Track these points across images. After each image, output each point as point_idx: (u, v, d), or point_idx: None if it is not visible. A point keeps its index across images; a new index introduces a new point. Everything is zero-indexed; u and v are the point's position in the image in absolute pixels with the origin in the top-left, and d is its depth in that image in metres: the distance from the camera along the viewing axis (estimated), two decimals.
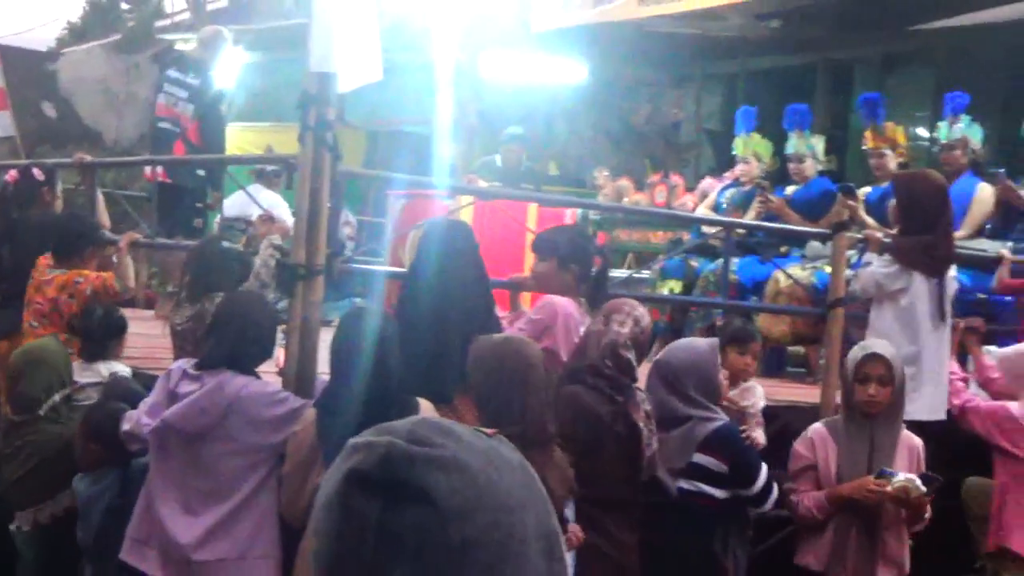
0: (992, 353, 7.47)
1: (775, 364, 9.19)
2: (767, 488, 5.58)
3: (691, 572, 5.56)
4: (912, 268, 6.84)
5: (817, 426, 5.93)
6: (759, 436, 6.10)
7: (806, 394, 7.24)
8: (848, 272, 7.65)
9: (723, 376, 5.80)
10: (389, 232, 9.78)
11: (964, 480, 7.02)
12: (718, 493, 5.52)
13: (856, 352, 5.84)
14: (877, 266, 7.01)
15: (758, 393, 6.38)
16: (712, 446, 5.48)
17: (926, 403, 6.81)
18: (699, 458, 5.47)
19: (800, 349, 9.33)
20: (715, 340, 5.97)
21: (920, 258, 6.85)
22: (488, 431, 1.40)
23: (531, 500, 1.33)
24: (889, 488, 5.45)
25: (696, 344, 5.97)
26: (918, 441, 5.88)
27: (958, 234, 8.48)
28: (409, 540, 1.25)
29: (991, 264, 8.23)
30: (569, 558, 4.89)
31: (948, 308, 6.98)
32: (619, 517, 5.34)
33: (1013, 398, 6.73)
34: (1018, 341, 7.43)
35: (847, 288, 7.32)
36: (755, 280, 8.98)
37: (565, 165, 14.92)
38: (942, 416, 6.89)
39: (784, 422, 6.87)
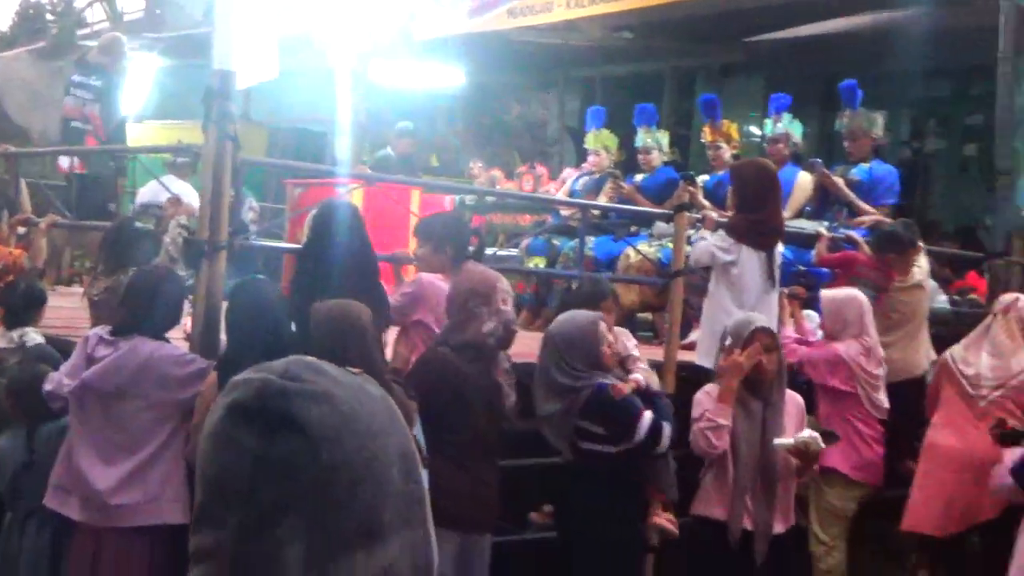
0: (810, 316, 7.65)
1: (628, 330, 9.25)
2: (653, 433, 5.36)
3: (590, 526, 5.45)
4: (742, 242, 6.91)
5: (709, 386, 5.79)
6: (641, 378, 5.81)
7: (654, 354, 7.30)
8: (687, 248, 7.78)
9: (607, 346, 5.52)
10: (287, 215, 9.74)
11: None
12: (608, 449, 5.39)
13: (742, 326, 5.76)
14: (711, 240, 7.10)
15: (628, 337, 6.35)
16: (588, 411, 5.35)
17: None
18: (582, 423, 5.40)
19: (648, 316, 9.45)
20: (596, 313, 5.68)
21: (749, 233, 6.92)
22: (355, 370, 1.41)
23: (392, 428, 1.35)
24: (791, 443, 5.47)
25: (577, 318, 5.64)
26: (800, 398, 5.91)
27: (784, 215, 8.66)
28: (282, 464, 1.26)
29: (810, 241, 8.37)
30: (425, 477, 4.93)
31: (777, 277, 7.08)
32: (480, 457, 5.41)
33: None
34: None
35: (686, 261, 7.42)
36: (609, 256, 9.07)
37: (444, 158, 14.92)
38: None
39: None
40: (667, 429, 5.42)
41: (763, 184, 7.08)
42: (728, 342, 5.67)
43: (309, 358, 1.38)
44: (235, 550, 1.26)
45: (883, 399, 6.92)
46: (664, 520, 5.66)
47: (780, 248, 7.28)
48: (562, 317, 5.72)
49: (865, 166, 8.87)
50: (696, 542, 5.78)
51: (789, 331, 7.21)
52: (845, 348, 6.85)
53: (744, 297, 6.86)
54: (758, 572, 5.54)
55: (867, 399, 6.87)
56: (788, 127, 9.19)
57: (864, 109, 9.02)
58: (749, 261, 6.92)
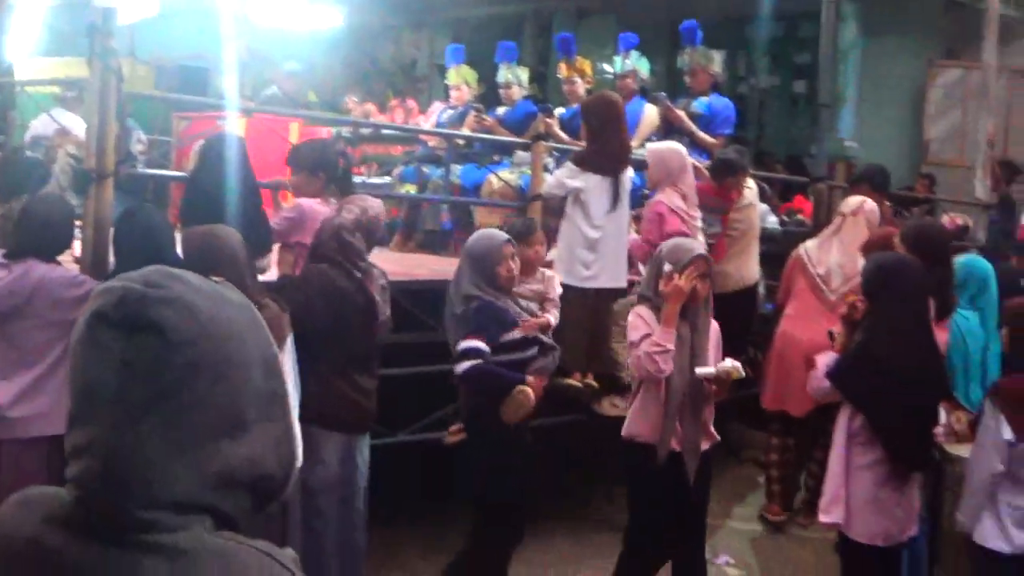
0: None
1: None
2: (460, 354, 5.31)
3: (471, 435, 5.57)
4: (588, 170, 6.97)
5: (643, 308, 5.32)
6: (551, 318, 5.84)
7: None
8: (545, 175, 7.84)
9: (507, 268, 5.39)
10: (174, 146, 9.53)
11: None
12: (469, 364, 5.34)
13: (682, 251, 5.27)
14: (560, 173, 7.16)
15: (556, 282, 6.19)
16: (470, 323, 5.34)
17: (610, 274, 7.01)
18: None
19: None
20: (501, 236, 5.56)
21: (595, 161, 6.98)
22: (216, 278, 1.41)
23: (251, 331, 1.36)
24: (714, 372, 5.14)
25: (488, 237, 5.57)
26: (717, 326, 5.46)
27: (632, 144, 8.75)
28: (144, 366, 1.27)
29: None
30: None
31: (625, 199, 7.13)
32: (361, 368, 5.42)
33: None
34: None
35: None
36: (474, 183, 9.05)
37: (322, 94, 14.69)
38: (623, 284, 7.10)
39: None
40: (466, 363, 5.25)
41: (608, 116, 7.13)
42: (667, 268, 5.22)
43: (168, 268, 1.38)
44: (105, 446, 1.26)
45: (702, 241, 6.94)
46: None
47: (630, 173, 7.34)
48: (478, 234, 5.77)
49: (705, 100, 8.99)
50: (626, 464, 5.49)
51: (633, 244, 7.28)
52: (667, 198, 6.89)
53: (593, 218, 6.92)
54: (689, 490, 5.25)
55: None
56: (636, 64, 9.25)
57: (703, 47, 9.13)
58: (596, 186, 6.96)
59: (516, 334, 5.36)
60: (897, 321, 4.94)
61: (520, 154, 8.88)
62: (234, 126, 7.62)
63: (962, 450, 5.73)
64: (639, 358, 5.14)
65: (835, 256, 7.17)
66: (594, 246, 6.94)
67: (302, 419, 4.99)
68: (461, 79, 10.04)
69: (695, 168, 8.14)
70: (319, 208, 5.79)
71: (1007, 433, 4.68)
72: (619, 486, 6.34)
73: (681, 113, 8.87)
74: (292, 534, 5.10)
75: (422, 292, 6.48)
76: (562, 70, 9.64)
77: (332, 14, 15.31)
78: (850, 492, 4.95)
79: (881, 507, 4.90)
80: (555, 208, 7.31)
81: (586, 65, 9.62)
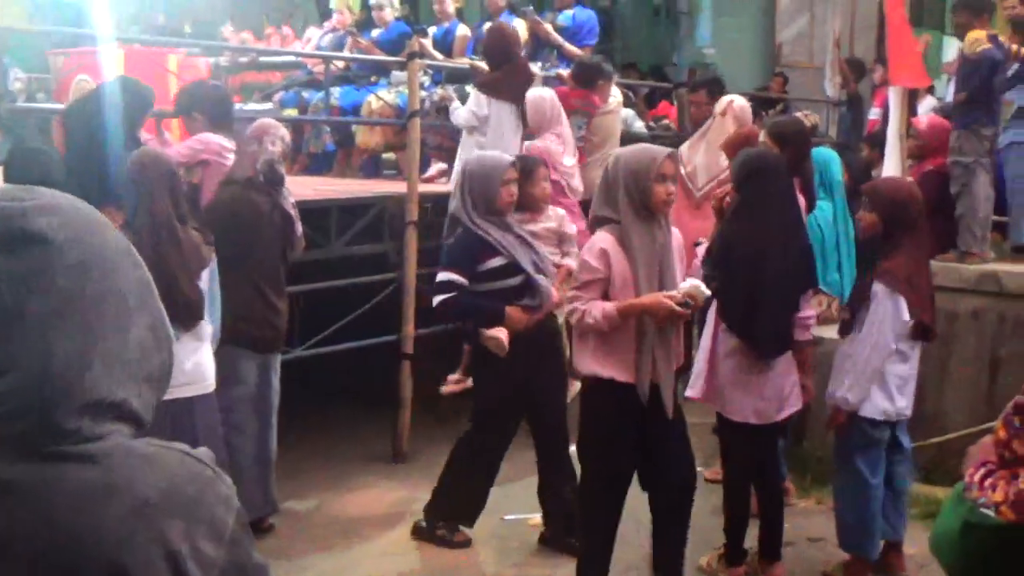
0: None
1: (373, 169, 9.23)
2: (434, 287, 5.08)
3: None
4: (493, 96, 7.08)
5: (603, 235, 4.39)
6: (571, 261, 5.48)
7: (399, 187, 7.32)
8: (421, 92, 7.79)
9: (508, 192, 5.08)
10: (52, 82, 9.20)
11: None
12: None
13: (651, 153, 4.42)
14: (469, 104, 7.17)
15: (567, 219, 5.90)
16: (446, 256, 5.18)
17: None
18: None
19: (392, 155, 9.43)
20: (506, 159, 5.22)
21: (499, 88, 7.11)
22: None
23: (109, 225, 1.34)
24: (677, 295, 4.29)
25: (489, 157, 5.30)
26: (678, 232, 4.60)
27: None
28: (35, 276, 1.24)
29: None
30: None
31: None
32: (274, 288, 5.47)
33: None
34: None
35: (421, 103, 7.43)
36: (354, 104, 8.94)
37: (197, 24, 14.25)
38: None
39: (381, 207, 7.03)
40: (439, 301, 5.01)
41: (505, 43, 7.21)
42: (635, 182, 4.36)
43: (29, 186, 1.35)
44: (19, 361, 1.24)
45: (578, 184, 7.07)
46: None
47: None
48: (480, 154, 5.57)
49: (569, 12, 8.98)
50: (594, 407, 4.54)
51: None
52: (544, 144, 6.92)
53: (502, 142, 6.97)
54: (665, 425, 4.48)
55: (567, 186, 6.97)
56: None
57: None
58: (503, 110, 7.09)
59: (497, 261, 4.99)
60: (760, 211, 4.96)
61: (396, 74, 8.78)
62: (110, 60, 7.40)
63: (826, 331, 5.89)
64: (579, 314, 4.37)
65: (701, 156, 7.26)
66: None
67: (221, 340, 4.98)
68: (344, 4, 9.87)
69: (560, 76, 8.20)
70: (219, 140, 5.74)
71: (906, 313, 4.83)
72: None
73: (548, 27, 8.84)
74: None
75: (310, 212, 6.41)
76: None
77: None
78: (720, 374, 5.01)
79: (748, 388, 4.95)
80: (435, 124, 7.33)
81: None
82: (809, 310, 5.12)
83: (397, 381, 6.95)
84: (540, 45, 8.93)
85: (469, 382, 5.72)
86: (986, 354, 6.96)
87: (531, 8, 9.15)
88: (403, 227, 6.94)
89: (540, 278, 5.07)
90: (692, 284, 4.38)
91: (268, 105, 9.66)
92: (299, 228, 5.56)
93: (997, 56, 7.23)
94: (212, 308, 4.88)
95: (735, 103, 7.32)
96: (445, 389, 5.72)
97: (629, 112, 9.09)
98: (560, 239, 5.82)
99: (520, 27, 8.91)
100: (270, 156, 5.33)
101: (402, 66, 7.92)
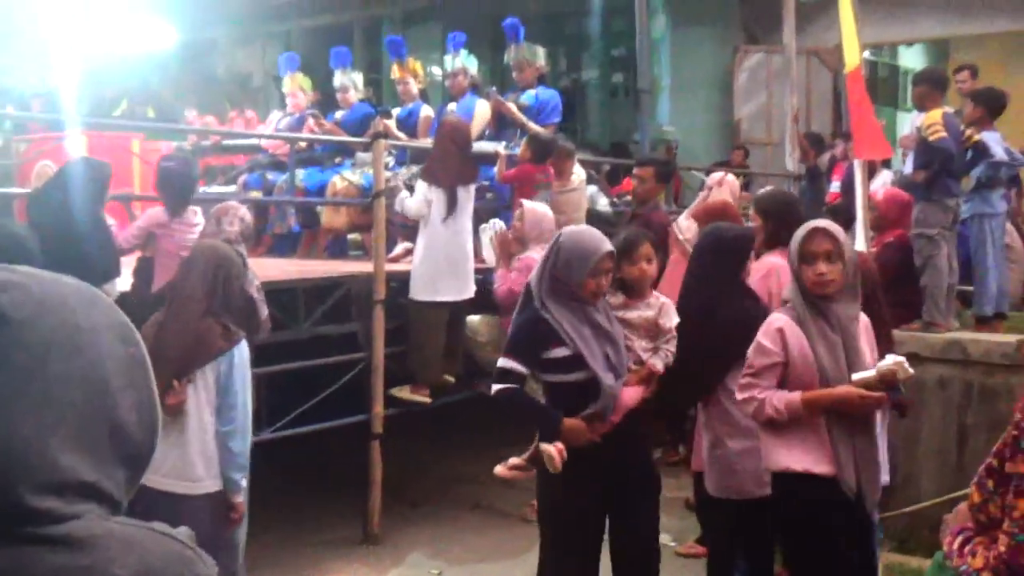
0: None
1: (339, 250, 9.23)
2: (496, 374, 4.46)
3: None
4: (432, 184, 7.12)
5: (780, 316, 4.16)
6: (659, 362, 4.76)
7: (365, 267, 7.32)
8: (386, 173, 7.84)
9: (598, 284, 4.43)
10: (15, 167, 9.19)
11: None
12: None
13: (799, 232, 4.19)
14: (420, 193, 7.20)
15: (672, 310, 4.92)
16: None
17: (449, 285, 7.15)
18: None
19: (358, 236, 9.44)
20: (606, 245, 4.48)
21: (436, 177, 7.15)
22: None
23: (93, 302, 1.32)
24: (874, 374, 3.93)
25: (589, 236, 4.55)
26: (865, 318, 4.25)
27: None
28: None
29: (492, 159, 8.55)
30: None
31: (466, 206, 7.25)
32: None
33: None
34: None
35: (387, 184, 7.46)
36: (318, 185, 8.96)
37: (161, 109, 14.32)
38: (470, 295, 7.29)
39: (348, 287, 7.02)
40: (496, 391, 4.42)
41: (439, 140, 7.35)
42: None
43: None
44: None
45: None
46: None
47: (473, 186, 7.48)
48: (580, 229, 4.70)
49: (532, 92, 9.07)
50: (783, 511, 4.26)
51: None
52: (531, 255, 6.96)
53: (447, 224, 7.08)
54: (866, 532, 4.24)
55: None
56: (465, 62, 9.29)
57: (527, 43, 9.20)
58: (441, 196, 7.11)
59: (561, 352, 4.35)
60: (706, 281, 5.00)
61: (361, 155, 8.83)
62: (75, 145, 7.41)
63: None
64: (754, 404, 4.15)
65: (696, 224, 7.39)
66: (442, 259, 7.12)
67: None
68: (296, 86, 9.96)
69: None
70: (152, 212, 5.87)
71: None
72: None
73: (511, 106, 8.93)
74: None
75: (277, 293, 6.38)
76: (395, 71, 9.62)
77: (165, 32, 14.94)
78: (702, 445, 4.98)
79: (716, 464, 4.91)
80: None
81: (417, 66, 9.63)
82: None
83: (367, 462, 6.88)
84: (504, 124, 9.01)
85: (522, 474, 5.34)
86: (953, 422, 7.01)
87: (494, 88, 9.25)
88: (370, 306, 6.92)
89: (608, 377, 4.35)
90: (895, 359, 3.92)
91: (232, 188, 9.66)
92: (264, 311, 5.53)
93: (950, 148, 7.52)
94: (228, 413, 4.62)
95: (728, 176, 7.52)
96: (500, 471, 5.14)
97: (593, 189, 9.17)
98: (657, 331, 4.99)
99: (484, 107, 9.01)
100: (226, 236, 5.32)
101: (367, 147, 7.96)
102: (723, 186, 7.40)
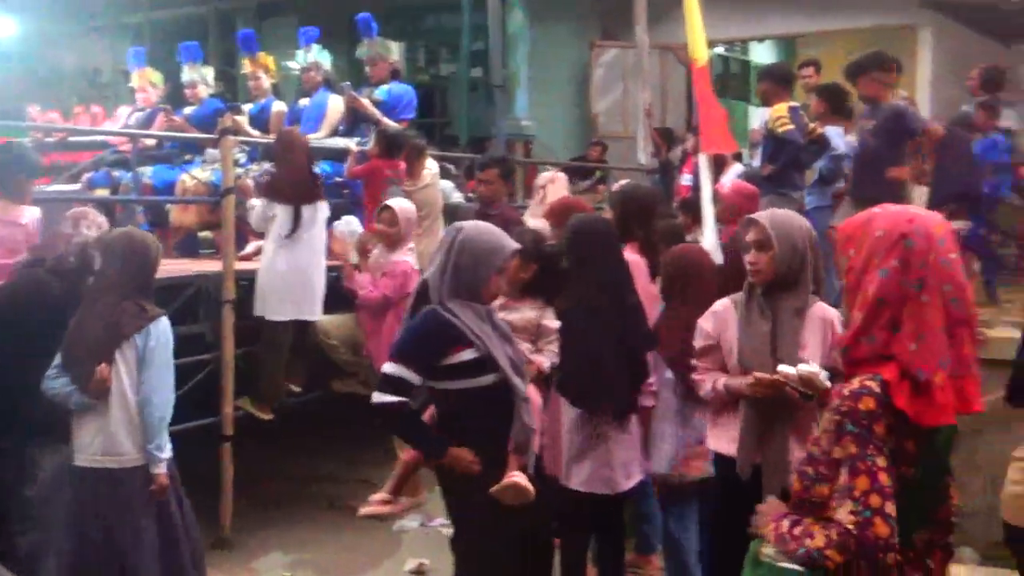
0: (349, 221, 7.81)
1: (189, 248, 9.03)
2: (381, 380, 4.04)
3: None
4: (275, 200, 7.02)
5: (723, 301, 4.34)
6: (546, 360, 4.93)
7: (215, 266, 7.18)
8: (237, 170, 7.71)
9: (497, 284, 4.17)
10: None
11: None
12: None
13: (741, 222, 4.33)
14: (260, 207, 7.11)
15: (551, 312, 5.09)
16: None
17: (292, 305, 7.05)
18: None
19: (208, 234, 9.25)
20: (510, 243, 4.21)
21: (281, 194, 7.04)
22: None
23: None
24: (795, 372, 3.86)
25: (493, 235, 4.17)
26: (833, 313, 4.22)
27: (319, 135, 8.70)
28: None
29: (343, 155, 8.49)
30: None
31: (311, 224, 7.12)
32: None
33: None
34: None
35: (236, 180, 7.34)
36: (166, 182, 8.73)
37: (1, 104, 13.79)
38: (316, 316, 7.19)
39: (197, 286, 6.90)
40: (382, 403, 3.97)
41: (280, 154, 7.22)
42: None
43: None
44: None
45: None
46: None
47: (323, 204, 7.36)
48: (482, 227, 4.24)
49: (385, 87, 9.03)
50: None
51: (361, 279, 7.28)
52: (413, 258, 6.94)
53: (279, 245, 7.00)
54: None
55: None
56: (318, 57, 9.22)
57: (380, 38, 9.16)
58: (283, 213, 6.99)
59: (467, 355, 4.00)
60: (591, 275, 4.99)
61: (211, 151, 8.65)
62: None
63: None
64: (701, 384, 4.35)
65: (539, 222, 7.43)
66: (286, 276, 7.01)
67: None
68: (145, 81, 9.73)
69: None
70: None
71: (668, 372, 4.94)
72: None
73: (365, 101, 8.87)
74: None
75: None
76: (246, 66, 9.49)
77: (3, 23, 14.39)
78: (565, 444, 4.97)
79: (595, 457, 4.94)
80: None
81: (269, 60, 9.51)
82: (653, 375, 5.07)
83: (218, 465, 6.75)
84: (358, 120, 8.95)
85: (398, 504, 5.11)
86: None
87: (348, 84, 9.17)
88: (219, 306, 6.80)
89: (517, 380, 4.11)
90: (810, 369, 3.84)
91: (76, 186, 9.36)
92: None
93: (798, 140, 7.85)
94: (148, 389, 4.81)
95: (558, 173, 7.61)
96: (365, 511, 4.94)
97: (448, 184, 9.17)
98: (539, 332, 5.07)
99: (337, 103, 8.93)
100: (82, 240, 5.19)
101: (216, 143, 7.81)
102: (556, 183, 7.52)
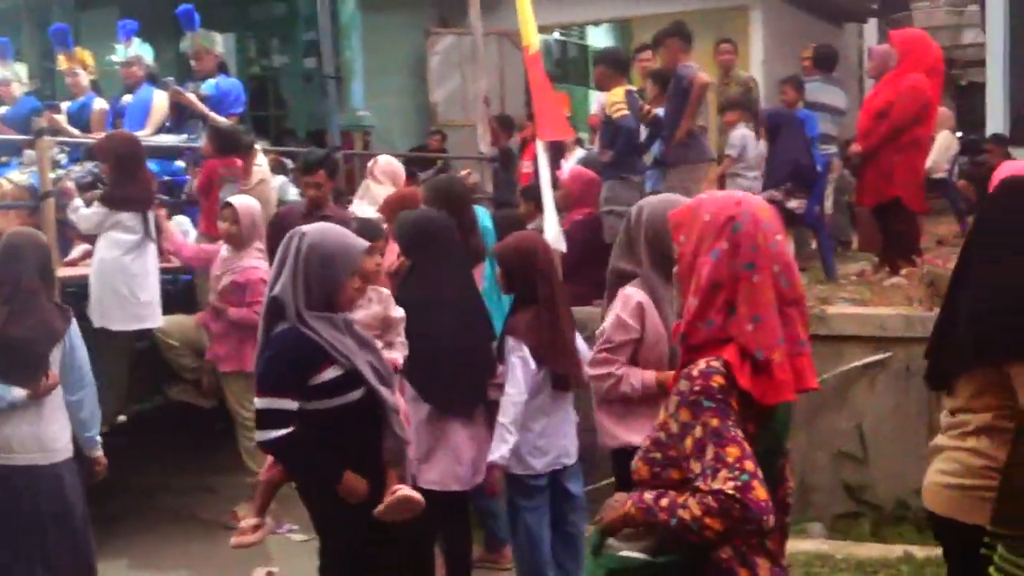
0: (179, 222, 7.59)
1: None
2: (259, 418, 3.92)
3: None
4: (121, 209, 6.81)
5: (634, 291, 4.27)
6: (399, 356, 4.88)
7: None
8: (59, 171, 7.42)
9: (354, 286, 4.10)
10: None
11: None
12: None
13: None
14: (93, 210, 6.88)
15: (393, 302, 5.01)
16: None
17: (124, 314, 6.84)
18: None
19: None
20: (361, 240, 4.11)
21: (127, 202, 6.84)
22: None
23: None
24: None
25: (335, 236, 4.07)
26: None
27: (144, 132, 8.41)
28: None
29: (175, 152, 8.27)
30: None
31: (153, 233, 6.97)
32: None
33: None
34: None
35: (55, 183, 7.06)
36: None
37: None
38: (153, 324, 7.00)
39: None
40: (273, 439, 3.84)
41: (124, 160, 6.93)
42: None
43: None
44: None
45: None
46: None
47: (161, 212, 7.28)
48: (324, 228, 4.10)
49: (212, 81, 8.78)
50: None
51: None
52: (263, 264, 6.75)
53: (125, 252, 6.79)
54: None
55: None
56: (139, 51, 8.93)
57: (203, 30, 8.90)
58: (128, 221, 6.79)
59: (332, 372, 3.88)
60: (432, 271, 5.00)
61: (29, 153, 8.26)
62: None
63: None
64: (611, 380, 4.31)
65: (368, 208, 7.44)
66: (130, 285, 6.82)
67: None
68: None
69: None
70: None
71: (532, 363, 4.92)
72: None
73: (191, 96, 8.61)
74: None
75: None
76: (62, 62, 9.14)
77: None
78: (414, 442, 4.89)
79: (445, 453, 4.97)
80: (65, 204, 6.97)
81: (86, 56, 9.18)
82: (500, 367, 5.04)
83: None
84: (184, 116, 8.69)
85: (268, 526, 4.77)
86: None
87: (172, 78, 8.91)
88: None
89: (385, 391, 4.01)
90: None
91: None
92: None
93: (633, 125, 7.93)
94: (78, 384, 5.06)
95: (379, 162, 7.50)
96: (236, 541, 4.55)
97: (281, 179, 9.00)
98: (386, 325, 4.94)
99: (161, 98, 8.66)
100: None
101: (33, 144, 7.48)
102: (375, 174, 7.49)
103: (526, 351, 4.86)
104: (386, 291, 4.97)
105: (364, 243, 4.08)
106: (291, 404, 3.81)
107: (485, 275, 6.48)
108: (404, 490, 3.99)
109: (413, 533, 4.21)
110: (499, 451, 4.85)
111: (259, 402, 3.85)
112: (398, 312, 4.93)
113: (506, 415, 4.85)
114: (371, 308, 4.92)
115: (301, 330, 3.84)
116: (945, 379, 3.17)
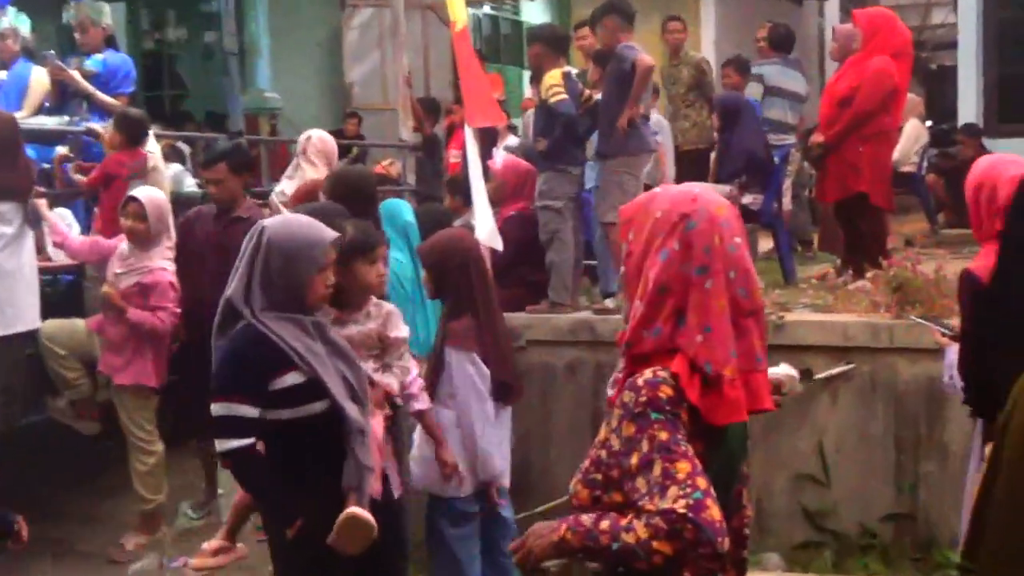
0: (62, 214, 7.47)
1: None
2: (217, 424, 3.91)
3: None
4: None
5: None
6: (393, 382, 4.68)
7: None
8: None
9: (323, 283, 3.99)
10: None
11: None
12: None
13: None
14: None
15: (398, 319, 4.77)
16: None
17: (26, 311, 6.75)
18: None
19: None
20: (328, 233, 4.06)
21: (7, 192, 6.65)
22: None
23: None
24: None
25: (300, 229, 4.05)
26: None
27: (22, 114, 8.24)
28: None
29: (55, 137, 8.13)
30: None
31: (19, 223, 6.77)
32: None
33: None
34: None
35: None
36: None
37: None
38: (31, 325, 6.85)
39: None
40: (231, 449, 3.85)
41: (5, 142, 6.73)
42: None
43: None
44: None
45: None
46: None
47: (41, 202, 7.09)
48: (288, 219, 4.25)
49: (99, 57, 8.64)
50: None
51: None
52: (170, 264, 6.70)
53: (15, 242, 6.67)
54: None
55: None
56: (15, 22, 8.77)
57: (90, 0, 8.77)
58: (8, 213, 6.63)
59: (292, 378, 3.85)
60: None
61: None
62: None
63: None
64: None
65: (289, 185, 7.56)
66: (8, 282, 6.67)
67: None
68: None
69: (92, 131, 7.91)
70: None
71: (484, 372, 5.00)
72: None
73: (75, 73, 8.47)
74: None
75: None
76: None
77: None
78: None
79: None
80: None
81: None
82: (413, 374, 4.88)
83: None
84: (67, 96, 8.54)
85: (230, 555, 4.80)
86: (588, 407, 7.33)
87: (52, 53, 8.74)
88: None
89: (351, 408, 3.94)
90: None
91: None
92: None
93: (571, 111, 7.75)
94: None
95: (312, 138, 7.52)
96: (197, 563, 4.58)
97: (177, 168, 8.88)
98: (383, 347, 4.73)
99: (40, 75, 8.51)
100: None
101: None
102: (307, 153, 7.48)
103: (478, 361, 4.95)
104: (389, 307, 4.78)
105: (332, 234, 4.02)
106: (251, 411, 3.80)
107: (407, 278, 6.42)
108: (352, 509, 3.90)
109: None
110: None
111: (216, 407, 3.82)
112: (399, 332, 4.74)
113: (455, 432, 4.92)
114: (366, 325, 4.67)
115: (257, 328, 3.83)
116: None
